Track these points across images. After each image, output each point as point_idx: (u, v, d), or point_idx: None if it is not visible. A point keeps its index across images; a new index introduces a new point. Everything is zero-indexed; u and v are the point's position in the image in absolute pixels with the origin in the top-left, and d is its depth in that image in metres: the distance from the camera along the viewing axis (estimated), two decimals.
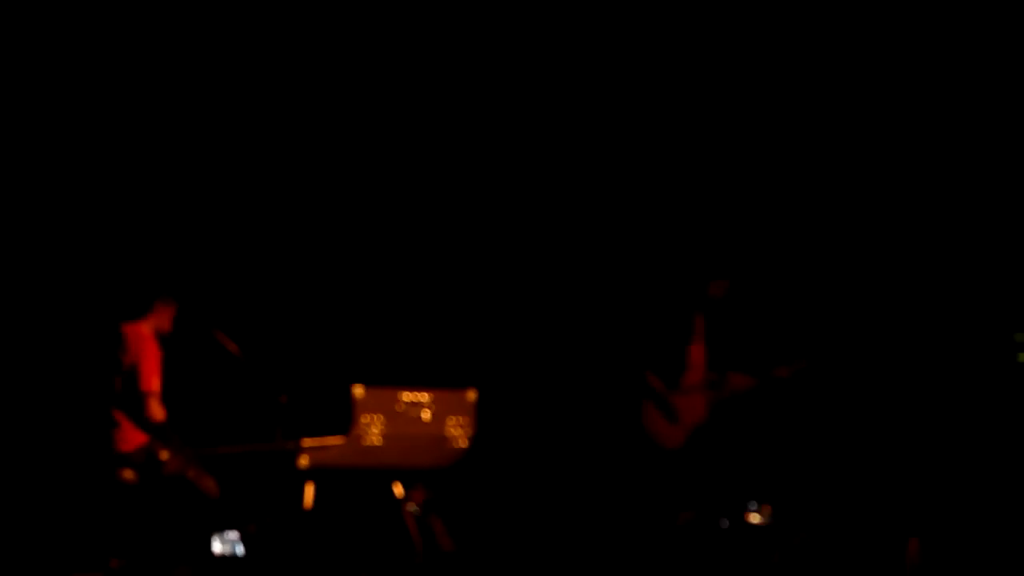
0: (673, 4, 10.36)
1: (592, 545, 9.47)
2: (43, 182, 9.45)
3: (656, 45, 10.51)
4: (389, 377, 8.28)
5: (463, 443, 8.11)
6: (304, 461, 7.70)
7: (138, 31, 9.57)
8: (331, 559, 8.26)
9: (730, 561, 9.13)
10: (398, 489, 8.23)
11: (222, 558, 8.25)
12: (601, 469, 10.34)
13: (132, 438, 7.52)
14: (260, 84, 10.03)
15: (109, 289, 8.05)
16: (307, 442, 7.73)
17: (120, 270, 9.01)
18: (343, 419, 7.81)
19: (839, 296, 10.49)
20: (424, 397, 8.02)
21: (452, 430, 8.07)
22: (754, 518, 9.82)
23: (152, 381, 7.58)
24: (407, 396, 7.97)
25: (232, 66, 9.92)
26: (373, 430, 7.84)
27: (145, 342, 7.66)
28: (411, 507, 8.59)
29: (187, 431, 7.87)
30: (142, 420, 7.53)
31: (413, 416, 7.97)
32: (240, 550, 8.32)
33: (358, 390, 7.82)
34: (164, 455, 7.52)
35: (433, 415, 8.03)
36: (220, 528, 8.19)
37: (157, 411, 7.56)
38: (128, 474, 7.43)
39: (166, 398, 7.83)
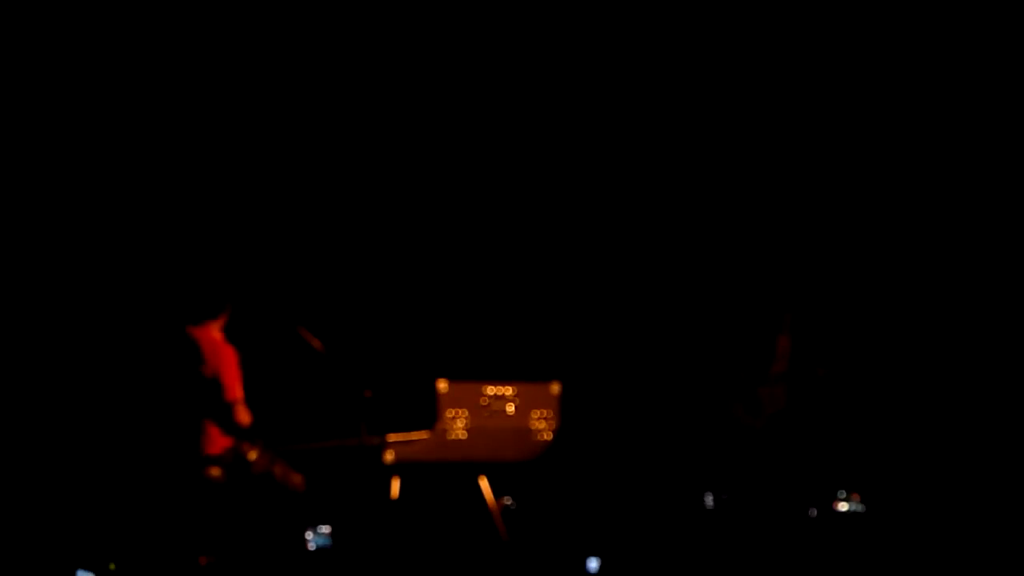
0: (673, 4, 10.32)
1: (670, 535, 9.44)
2: (105, 187, 9.54)
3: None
4: (473, 371, 8.29)
5: (547, 436, 8.11)
6: (390, 456, 7.73)
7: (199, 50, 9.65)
8: (417, 553, 8.29)
9: (816, 549, 9.07)
10: (484, 483, 8.24)
11: (313, 552, 8.32)
12: (683, 462, 10.31)
13: (219, 441, 7.57)
14: (323, 84, 10.08)
15: (177, 293, 8.09)
16: (392, 437, 7.76)
17: (191, 273, 9.07)
18: (428, 414, 7.84)
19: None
20: (508, 390, 8.03)
21: (536, 423, 8.07)
22: (843, 506, 9.76)
23: (237, 389, 7.61)
24: (491, 390, 7.99)
25: (288, 65, 9.98)
26: (458, 424, 7.86)
27: (221, 348, 7.67)
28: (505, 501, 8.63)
29: (273, 428, 7.90)
30: (230, 426, 7.57)
31: (497, 409, 7.98)
32: (329, 543, 8.38)
33: (442, 384, 7.85)
34: (252, 455, 7.56)
35: (517, 408, 8.03)
36: (310, 523, 8.26)
37: (245, 417, 7.60)
38: (215, 472, 7.48)
39: (251, 396, 7.88)
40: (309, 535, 8.41)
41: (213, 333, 7.70)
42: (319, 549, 8.42)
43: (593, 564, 8.62)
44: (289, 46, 9.91)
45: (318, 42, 9.99)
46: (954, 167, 10.36)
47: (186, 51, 9.67)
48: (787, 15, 10.31)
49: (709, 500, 9.76)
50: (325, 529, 8.48)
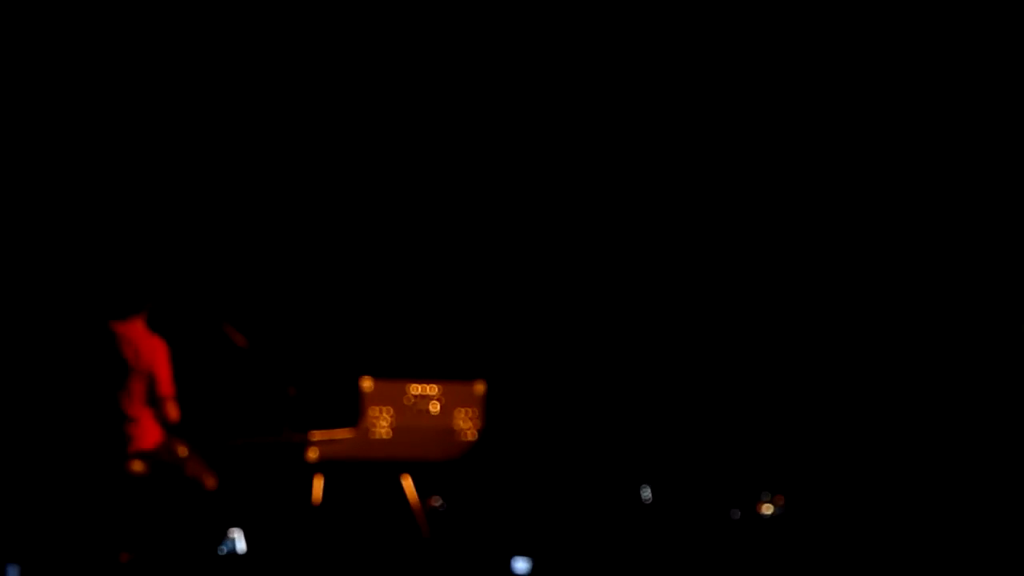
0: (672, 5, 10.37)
1: (596, 537, 9.46)
2: (41, 178, 9.47)
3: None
4: (397, 369, 8.28)
5: (471, 435, 8.11)
6: (313, 454, 7.70)
7: (138, 30, 9.58)
8: (338, 552, 8.26)
9: (742, 552, 9.11)
10: (407, 482, 8.22)
11: (230, 555, 8.27)
12: (606, 461, 10.35)
13: (148, 436, 7.50)
14: (257, 76, 10.03)
15: (101, 287, 8.02)
16: (316, 435, 7.73)
17: (115, 268, 9.01)
18: (352, 412, 7.81)
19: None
20: (433, 389, 8.02)
21: (461, 423, 8.07)
22: (766, 508, 9.81)
23: (170, 384, 7.55)
24: (416, 389, 7.98)
25: (227, 60, 9.92)
26: (381, 423, 7.84)
27: (151, 342, 7.59)
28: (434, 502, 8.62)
29: (195, 425, 7.86)
30: (161, 421, 7.52)
31: (422, 408, 7.97)
32: (242, 546, 8.33)
33: (366, 383, 7.83)
34: (183, 451, 7.51)
35: (442, 407, 8.03)
36: (225, 523, 8.20)
37: (175, 412, 7.55)
38: (139, 467, 7.42)
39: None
40: (227, 541, 8.37)
41: (141, 328, 7.63)
42: (229, 553, 8.37)
43: (520, 564, 8.62)
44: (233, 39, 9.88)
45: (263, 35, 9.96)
46: (934, 174, 10.45)
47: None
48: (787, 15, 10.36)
49: (647, 493, 9.81)
50: (235, 533, 8.42)
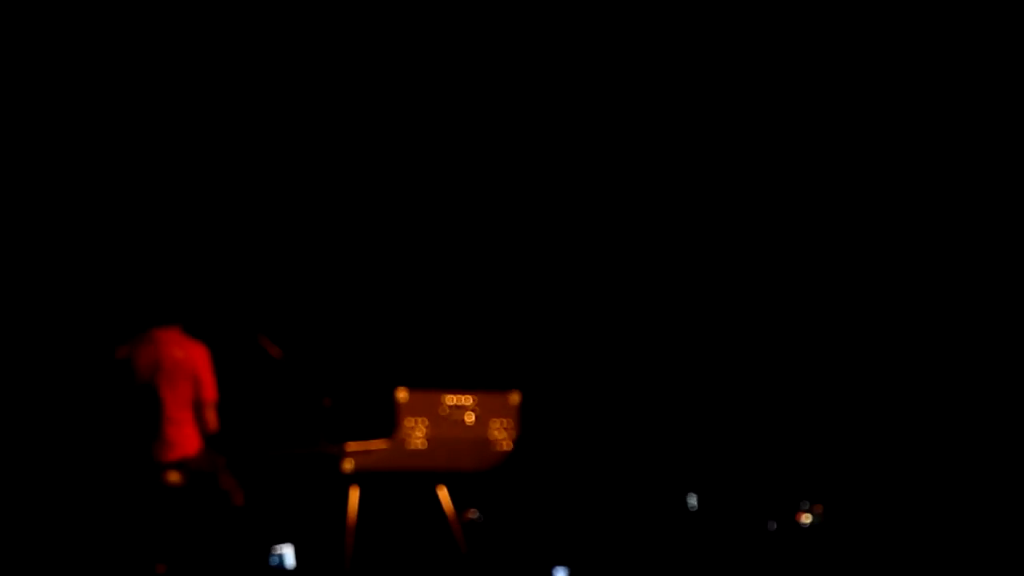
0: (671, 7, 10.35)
1: (631, 546, 9.45)
2: (80, 186, 9.53)
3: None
4: (433, 380, 8.27)
5: (507, 446, 8.09)
6: (348, 465, 7.70)
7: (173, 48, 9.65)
8: (376, 565, 8.26)
9: (779, 562, 9.08)
10: (443, 493, 8.21)
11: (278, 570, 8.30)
12: (640, 470, 10.32)
13: (187, 445, 7.50)
14: (297, 95, 10.08)
15: (143, 293, 8.04)
16: (351, 446, 7.73)
17: (154, 274, 9.04)
18: (387, 422, 7.81)
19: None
20: (467, 400, 8.00)
21: (496, 433, 8.05)
22: (806, 518, 9.76)
23: (214, 390, 7.57)
24: (450, 399, 7.96)
25: (267, 75, 9.97)
26: (417, 433, 7.83)
27: (195, 347, 7.60)
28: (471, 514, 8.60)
29: (231, 436, 7.87)
30: (202, 428, 7.52)
31: (457, 419, 7.95)
32: (291, 562, 8.36)
33: (402, 393, 7.82)
34: (220, 462, 7.52)
35: (477, 418, 8.01)
36: (262, 536, 8.22)
37: (215, 421, 7.56)
38: (175, 477, 7.43)
39: None
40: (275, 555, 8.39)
41: (181, 335, 7.64)
42: (279, 567, 8.39)
43: (560, 574, 8.62)
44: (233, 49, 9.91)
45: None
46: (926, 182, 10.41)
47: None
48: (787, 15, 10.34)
49: (693, 501, 9.79)
50: (285, 549, 8.44)
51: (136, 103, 9.70)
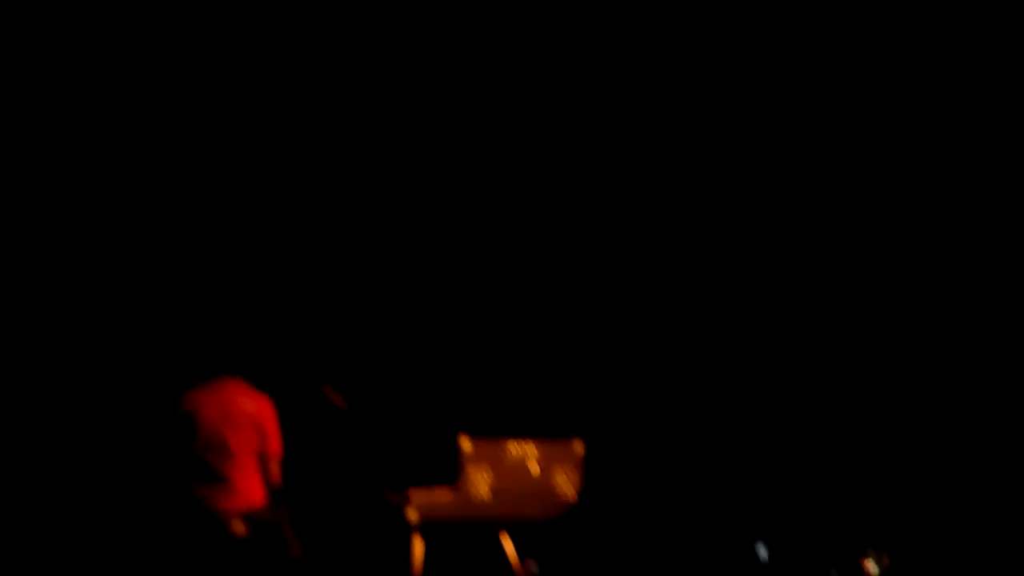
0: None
1: None
2: (146, 233, 9.61)
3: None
4: (496, 429, 8.27)
5: (570, 495, 8.07)
6: (412, 514, 7.71)
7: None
8: None
9: None
10: (506, 541, 8.19)
11: None
12: (705, 519, 10.27)
13: (252, 495, 7.52)
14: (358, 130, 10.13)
15: (209, 344, 8.08)
16: (415, 495, 7.74)
17: (217, 325, 9.09)
18: (451, 471, 7.81)
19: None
20: (531, 449, 8.00)
21: (559, 481, 8.04)
22: (870, 567, 9.68)
23: (279, 443, 7.59)
24: (514, 448, 7.96)
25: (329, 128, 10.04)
26: (481, 482, 7.83)
27: (260, 400, 7.63)
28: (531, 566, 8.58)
29: (296, 486, 7.89)
30: (266, 479, 7.55)
31: (520, 468, 7.95)
32: None
33: (466, 442, 7.83)
34: (284, 513, 7.53)
35: (541, 467, 8.00)
36: None
37: (279, 474, 7.59)
38: (240, 527, 7.44)
39: None
40: None
41: (243, 385, 7.65)
42: None
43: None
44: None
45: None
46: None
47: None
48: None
49: (763, 552, 9.75)
50: None
51: (205, 145, 9.76)
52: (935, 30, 10.13)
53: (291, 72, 9.90)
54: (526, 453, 7.97)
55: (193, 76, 9.69)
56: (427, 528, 7.83)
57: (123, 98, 9.56)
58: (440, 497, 7.74)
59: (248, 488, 7.43)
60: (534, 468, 7.98)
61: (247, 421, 7.44)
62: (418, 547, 7.85)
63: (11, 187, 9.31)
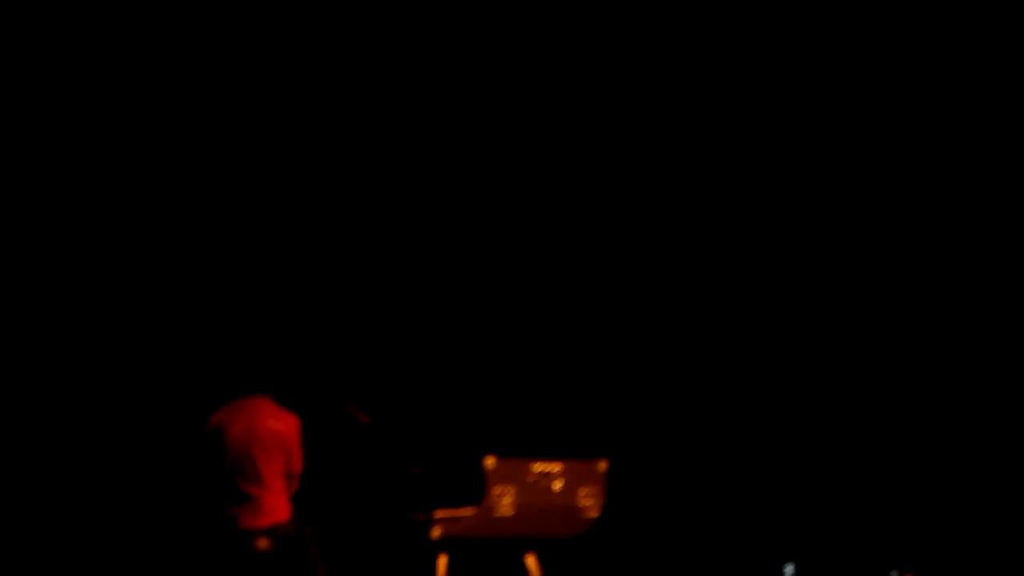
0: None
1: None
2: (170, 249, 9.65)
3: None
4: (520, 447, 8.29)
5: (594, 513, 8.08)
6: (437, 532, 7.73)
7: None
8: None
9: None
10: (531, 561, 8.21)
11: None
12: (732, 539, 10.26)
13: (277, 512, 7.54)
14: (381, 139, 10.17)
15: (235, 362, 8.11)
16: (439, 513, 7.76)
17: (245, 343, 9.13)
18: (475, 490, 7.83)
19: None
20: (555, 467, 8.02)
21: (583, 500, 8.05)
22: None
23: (302, 462, 7.62)
24: (538, 467, 7.98)
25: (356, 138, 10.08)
26: (505, 501, 7.85)
27: (292, 420, 7.65)
28: None
29: (320, 504, 7.92)
30: (289, 498, 7.57)
31: (544, 486, 7.97)
32: None
33: (490, 461, 7.85)
34: (308, 530, 7.56)
35: (564, 485, 8.02)
36: None
37: (296, 488, 7.61)
38: (264, 543, 7.46)
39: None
40: None
41: (270, 403, 7.68)
42: None
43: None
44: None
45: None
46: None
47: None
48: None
49: (790, 571, 9.75)
50: None
51: (236, 164, 9.82)
52: (935, 30, 10.14)
53: (319, 80, 9.95)
54: (550, 472, 7.98)
55: (218, 84, 9.75)
56: (452, 546, 7.85)
57: (169, 117, 9.63)
58: (464, 515, 7.76)
59: (274, 507, 7.44)
60: (558, 486, 7.99)
61: (274, 441, 7.45)
62: (442, 565, 7.87)
63: (46, 199, 9.38)
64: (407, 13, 10.06)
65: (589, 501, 8.08)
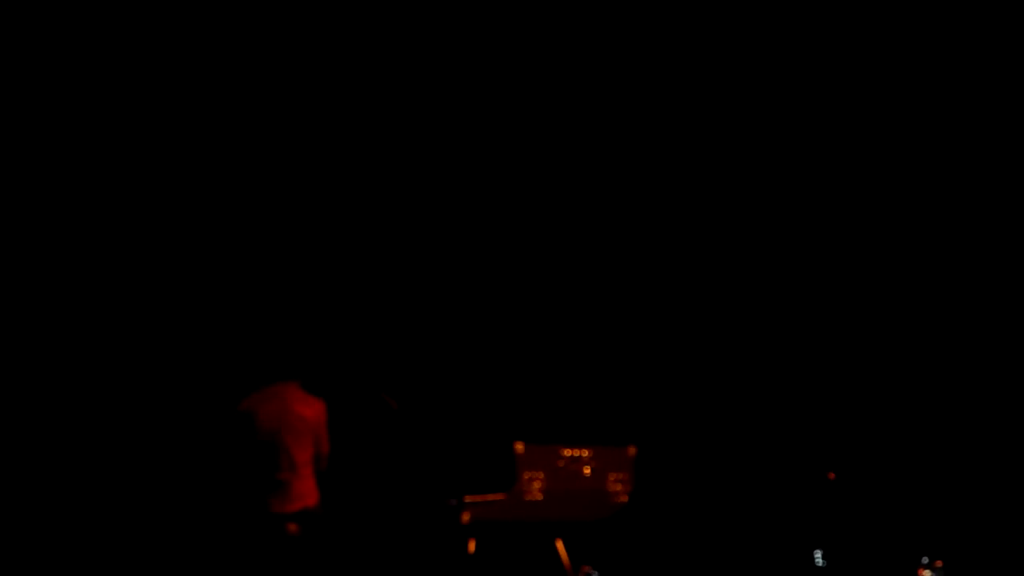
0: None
1: None
2: (201, 244, 9.72)
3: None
4: (550, 433, 8.35)
5: (623, 498, 8.14)
6: (467, 516, 7.79)
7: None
8: None
9: None
10: (560, 545, 8.27)
11: None
12: (762, 526, 10.27)
13: (308, 497, 7.61)
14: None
15: (266, 349, 8.17)
16: (470, 498, 7.82)
17: (276, 331, 9.18)
18: (506, 475, 7.89)
19: None
20: (584, 453, 8.08)
21: (612, 485, 8.11)
22: (926, 574, 9.66)
23: (328, 444, 7.68)
24: (567, 452, 8.04)
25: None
26: (534, 486, 7.91)
27: (320, 406, 7.71)
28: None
29: (352, 489, 7.98)
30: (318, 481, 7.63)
31: (574, 471, 8.03)
32: None
33: (520, 446, 7.91)
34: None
35: (593, 471, 8.08)
36: None
37: (324, 466, 7.67)
38: (294, 528, 7.53)
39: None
40: None
41: (298, 389, 7.73)
42: None
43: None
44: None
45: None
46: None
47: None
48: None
49: (819, 557, 9.76)
50: None
51: (259, 164, 9.88)
52: (935, 30, 10.13)
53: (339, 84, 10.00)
54: (579, 457, 8.04)
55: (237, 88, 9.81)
56: (482, 531, 7.91)
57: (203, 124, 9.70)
58: (495, 500, 7.83)
59: (305, 489, 7.51)
60: (587, 472, 8.05)
61: (304, 427, 7.52)
62: (472, 549, 7.94)
63: (70, 202, 9.45)
64: (407, 13, 10.08)
65: (618, 487, 8.13)
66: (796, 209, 10.82)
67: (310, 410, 7.57)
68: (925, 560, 9.64)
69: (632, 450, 8.23)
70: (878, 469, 10.47)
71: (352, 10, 9.87)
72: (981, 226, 10.36)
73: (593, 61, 10.44)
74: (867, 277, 10.73)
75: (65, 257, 9.31)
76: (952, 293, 10.56)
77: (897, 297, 10.67)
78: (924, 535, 10.12)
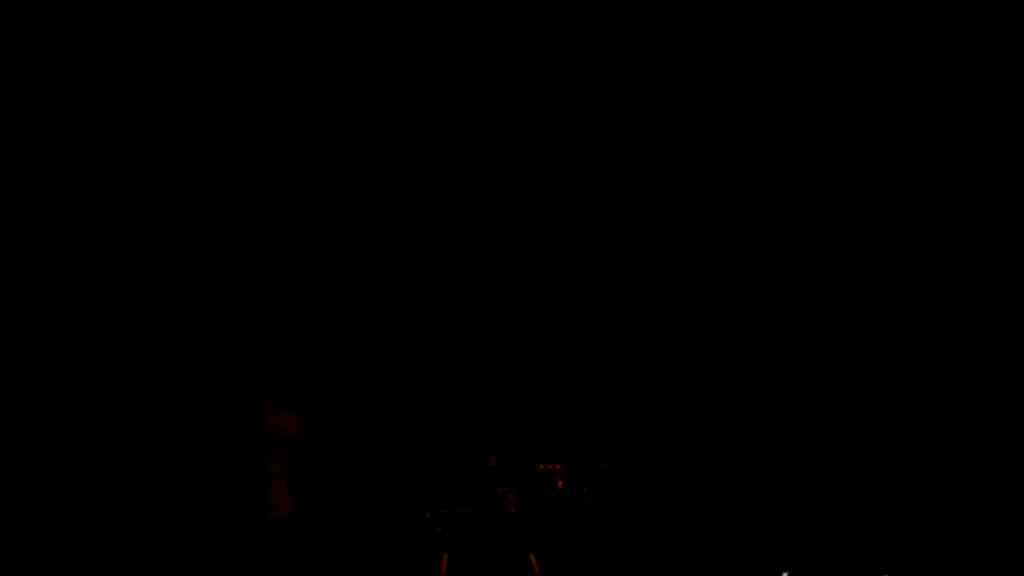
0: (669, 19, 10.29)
1: None
2: (192, 261, 10.13)
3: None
4: (523, 447, 8.36)
5: (596, 512, 8.04)
6: (440, 529, 7.85)
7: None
8: None
9: None
10: (533, 559, 8.19)
11: None
12: (730, 542, 9.79)
13: (285, 507, 7.75)
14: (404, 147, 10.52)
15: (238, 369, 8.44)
16: (444, 511, 7.89)
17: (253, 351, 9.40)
18: (480, 488, 7.95)
19: None
20: (557, 467, 8.07)
21: (585, 499, 8.04)
22: None
23: (306, 455, 7.84)
24: (541, 466, 8.06)
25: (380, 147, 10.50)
26: (507, 499, 7.93)
27: (295, 419, 7.88)
28: None
29: (329, 502, 8.13)
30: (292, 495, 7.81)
31: (547, 485, 8.02)
32: None
33: (493, 460, 7.99)
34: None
35: (566, 485, 8.05)
36: None
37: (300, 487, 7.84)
38: (269, 537, 7.65)
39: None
40: None
41: (275, 405, 7.96)
42: None
43: None
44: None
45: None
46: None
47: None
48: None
49: None
50: None
51: (251, 171, 10.31)
52: (935, 30, 9.95)
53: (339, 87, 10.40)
54: (552, 471, 8.05)
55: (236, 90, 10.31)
56: (455, 544, 7.93)
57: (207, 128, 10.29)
58: (468, 513, 7.88)
59: (281, 502, 7.74)
60: (560, 486, 8.04)
61: (280, 440, 7.80)
62: (444, 562, 7.95)
63: (75, 208, 10.02)
64: (407, 13, 10.44)
65: (590, 500, 8.06)
66: (769, 220, 10.66)
67: (285, 423, 7.86)
68: None
69: (605, 464, 8.18)
70: (843, 486, 9.97)
71: (352, 10, 10.34)
72: (981, 226, 9.95)
73: (593, 61, 10.68)
74: (842, 285, 10.40)
75: (40, 260, 9.83)
76: (925, 297, 10.13)
77: (874, 305, 10.28)
78: (886, 552, 9.54)
